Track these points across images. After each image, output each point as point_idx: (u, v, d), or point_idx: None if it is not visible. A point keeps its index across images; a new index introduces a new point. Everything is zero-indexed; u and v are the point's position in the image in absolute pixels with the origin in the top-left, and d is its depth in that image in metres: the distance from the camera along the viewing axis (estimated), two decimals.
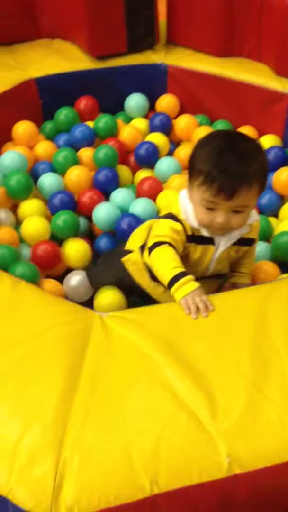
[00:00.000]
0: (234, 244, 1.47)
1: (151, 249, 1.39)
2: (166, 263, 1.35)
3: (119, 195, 2.03)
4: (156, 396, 1.07)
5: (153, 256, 1.38)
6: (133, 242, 1.66)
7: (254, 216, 1.47)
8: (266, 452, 1.01)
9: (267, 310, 1.24)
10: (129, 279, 1.63)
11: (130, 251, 1.63)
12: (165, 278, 1.33)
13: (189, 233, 1.42)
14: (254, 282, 1.73)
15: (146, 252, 1.49)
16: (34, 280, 1.67)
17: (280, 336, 1.18)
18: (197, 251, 1.45)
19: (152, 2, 2.34)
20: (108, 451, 0.99)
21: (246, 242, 1.51)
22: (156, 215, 1.98)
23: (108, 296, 1.68)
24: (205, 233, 1.41)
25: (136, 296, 1.69)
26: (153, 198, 2.04)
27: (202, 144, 1.37)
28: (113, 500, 0.94)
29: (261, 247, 1.83)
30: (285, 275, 1.74)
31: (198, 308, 1.25)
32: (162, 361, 1.13)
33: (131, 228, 1.78)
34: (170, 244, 1.37)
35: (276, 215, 2.01)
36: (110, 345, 1.18)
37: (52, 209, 1.98)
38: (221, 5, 2.27)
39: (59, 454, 0.98)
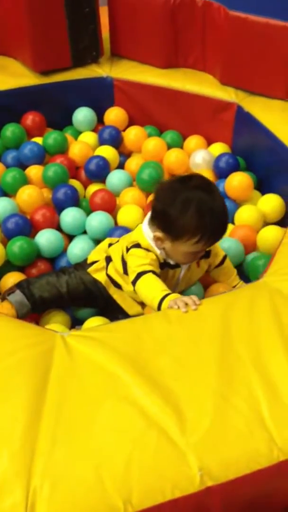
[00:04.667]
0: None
1: (135, 280, 1.46)
2: (153, 289, 1.42)
3: (70, 214, 2.01)
4: (124, 415, 1.06)
5: (139, 285, 1.45)
6: (94, 255, 1.71)
7: None
8: (236, 462, 1.02)
9: (229, 320, 1.25)
10: (98, 287, 1.65)
11: (94, 262, 1.68)
12: (155, 301, 1.39)
13: (161, 260, 1.51)
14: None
15: (111, 264, 1.62)
16: None
17: (243, 345, 1.19)
18: (169, 274, 1.54)
19: (95, 16, 2.33)
20: (79, 475, 0.97)
21: (204, 254, 1.58)
22: (114, 226, 1.98)
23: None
24: (172, 262, 1.51)
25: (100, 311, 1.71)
26: (107, 210, 2.04)
27: (182, 207, 1.40)
28: None
29: None
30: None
31: (186, 305, 1.30)
32: (128, 378, 1.12)
33: None
34: (152, 272, 1.45)
35: (232, 222, 2.04)
36: (74, 365, 1.16)
37: (6, 233, 1.92)
38: (163, 17, 2.28)
39: (28, 482, 0.96)
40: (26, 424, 1.04)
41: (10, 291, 1.63)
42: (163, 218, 1.43)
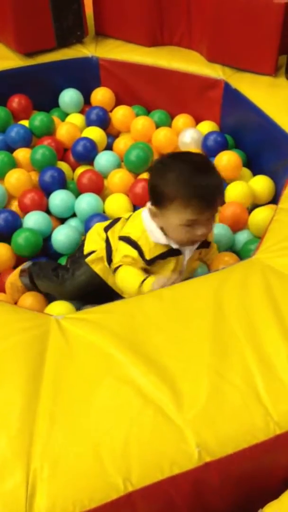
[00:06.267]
0: (197, 248, 1.55)
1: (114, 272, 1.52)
2: (131, 279, 1.49)
3: (58, 197, 2.00)
4: (121, 394, 1.07)
5: (117, 279, 1.52)
6: (90, 244, 1.67)
7: None
8: (234, 437, 1.03)
9: (222, 296, 1.26)
10: (97, 279, 1.64)
11: (91, 252, 1.64)
12: (134, 290, 1.47)
13: (148, 257, 1.49)
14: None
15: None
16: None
17: (236, 321, 1.20)
18: (171, 264, 1.52)
19: None
20: (78, 455, 0.98)
21: (205, 244, 1.59)
22: (102, 212, 1.98)
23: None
24: (174, 246, 1.48)
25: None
26: (95, 190, 2.03)
27: (162, 173, 1.40)
28: (87, 504, 0.94)
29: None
30: None
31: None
32: (123, 358, 1.12)
33: None
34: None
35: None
36: (70, 347, 1.16)
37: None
38: None
39: (28, 464, 0.96)
40: (23, 407, 1.05)
41: (23, 273, 1.73)
42: (151, 189, 1.44)
